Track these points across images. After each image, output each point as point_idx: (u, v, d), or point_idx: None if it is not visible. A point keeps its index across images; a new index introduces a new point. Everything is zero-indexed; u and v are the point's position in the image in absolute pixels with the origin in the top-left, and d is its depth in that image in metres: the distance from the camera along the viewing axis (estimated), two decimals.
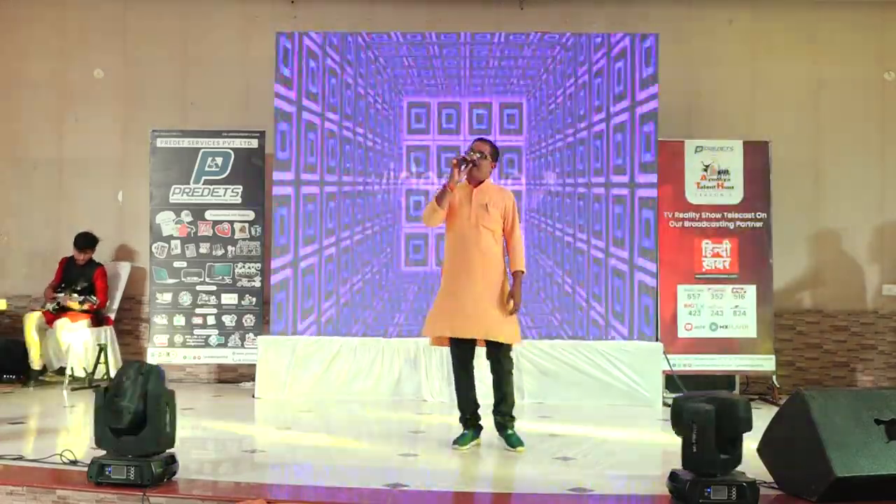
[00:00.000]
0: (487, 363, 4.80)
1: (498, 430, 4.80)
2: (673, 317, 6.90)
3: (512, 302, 4.73)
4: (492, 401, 4.82)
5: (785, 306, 7.41)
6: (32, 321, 7.07)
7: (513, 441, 4.72)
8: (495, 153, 4.88)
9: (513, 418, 4.80)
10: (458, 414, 4.91)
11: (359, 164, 7.00)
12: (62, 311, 7.14)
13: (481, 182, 4.82)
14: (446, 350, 6.52)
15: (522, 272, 4.84)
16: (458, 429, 4.89)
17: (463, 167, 4.69)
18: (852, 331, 7.48)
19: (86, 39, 7.90)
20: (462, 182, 4.79)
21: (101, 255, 7.58)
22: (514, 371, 4.86)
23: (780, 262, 7.14)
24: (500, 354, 4.74)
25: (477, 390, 4.87)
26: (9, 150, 7.93)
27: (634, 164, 6.85)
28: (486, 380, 4.84)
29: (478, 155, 4.74)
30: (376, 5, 7.67)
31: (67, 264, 7.35)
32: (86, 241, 7.28)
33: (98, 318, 7.30)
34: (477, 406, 4.84)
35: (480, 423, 4.85)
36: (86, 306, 7.14)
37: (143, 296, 7.70)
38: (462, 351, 4.81)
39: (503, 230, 4.83)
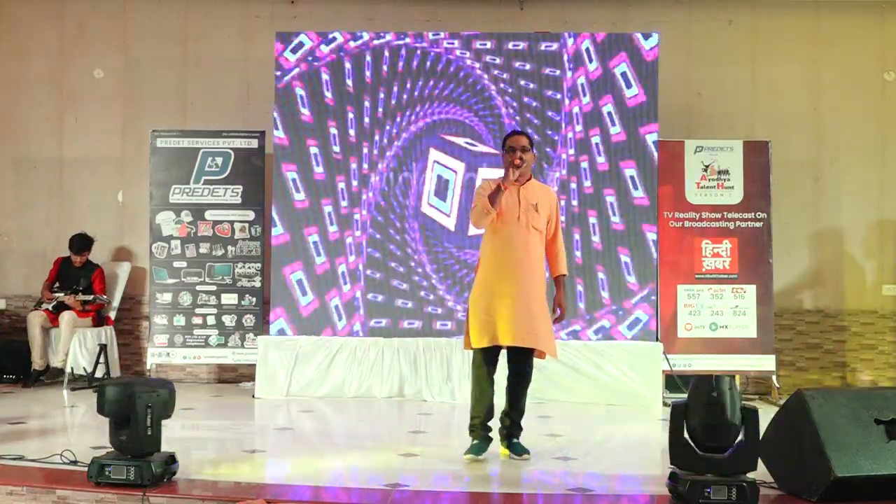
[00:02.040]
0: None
1: (502, 437, 4.57)
2: (673, 317, 6.90)
3: (559, 310, 4.57)
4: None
5: (785, 306, 7.41)
6: (36, 320, 7.06)
7: (518, 449, 4.51)
8: (532, 143, 4.61)
9: (520, 428, 4.60)
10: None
11: (359, 164, 7.00)
12: (63, 308, 7.12)
13: (528, 180, 4.58)
14: (446, 350, 6.60)
15: (566, 276, 4.68)
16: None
17: (519, 165, 4.43)
18: (852, 331, 7.48)
19: (86, 39, 7.90)
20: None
21: (101, 255, 7.59)
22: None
23: (780, 262, 7.15)
24: (528, 363, 4.54)
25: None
26: (9, 150, 7.93)
27: (631, 164, 6.86)
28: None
29: (520, 151, 4.46)
30: (376, 5, 7.67)
31: (63, 264, 7.34)
32: (81, 244, 7.26)
33: (98, 318, 7.30)
34: (492, 416, 4.55)
35: (491, 434, 4.56)
36: (89, 306, 7.12)
37: (143, 296, 7.70)
38: (496, 357, 4.53)
39: (546, 232, 4.60)
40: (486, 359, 4.48)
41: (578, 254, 6.87)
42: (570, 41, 6.97)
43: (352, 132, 6.99)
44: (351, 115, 6.98)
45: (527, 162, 4.50)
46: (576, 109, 6.94)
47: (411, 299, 6.90)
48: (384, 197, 6.98)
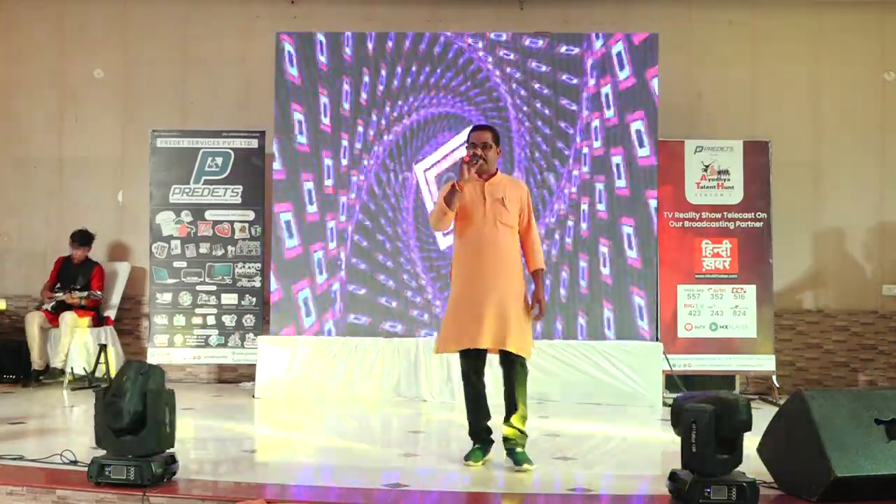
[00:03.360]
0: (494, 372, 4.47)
1: (506, 447, 4.34)
2: (673, 317, 6.90)
3: (538, 306, 4.36)
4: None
5: (785, 306, 7.41)
6: (35, 320, 7.07)
7: (521, 458, 4.26)
8: (497, 138, 4.43)
9: (524, 435, 4.34)
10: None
11: (360, 165, 7.00)
12: (63, 308, 7.12)
13: (493, 175, 4.40)
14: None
15: (543, 270, 4.49)
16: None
17: (474, 163, 4.27)
18: (852, 331, 7.48)
19: (86, 39, 7.90)
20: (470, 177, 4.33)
21: (100, 254, 7.59)
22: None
23: (780, 262, 7.14)
24: (517, 364, 4.31)
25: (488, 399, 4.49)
26: (9, 150, 7.93)
27: (633, 165, 6.86)
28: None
29: (481, 148, 4.31)
30: (376, 5, 7.67)
31: (63, 264, 7.35)
32: (83, 238, 7.30)
33: (98, 318, 7.30)
34: (489, 418, 4.41)
35: (492, 437, 4.42)
36: (85, 302, 7.11)
37: (143, 296, 7.70)
38: (478, 360, 4.37)
39: (519, 226, 4.42)
40: (469, 366, 4.36)
41: (583, 283, 6.81)
42: (568, 42, 6.97)
43: (352, 132, 7.00)
44: (353, 116, 6.99)
45: (490, 158, 4.34)
46: (573, 108, 6.94)
47: (396, 299, 6.92)
48: (371, 196, 6.99)
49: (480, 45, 6.98)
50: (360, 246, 6.95)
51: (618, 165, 6.85)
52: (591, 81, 6.91)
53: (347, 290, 6.91)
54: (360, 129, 6.98)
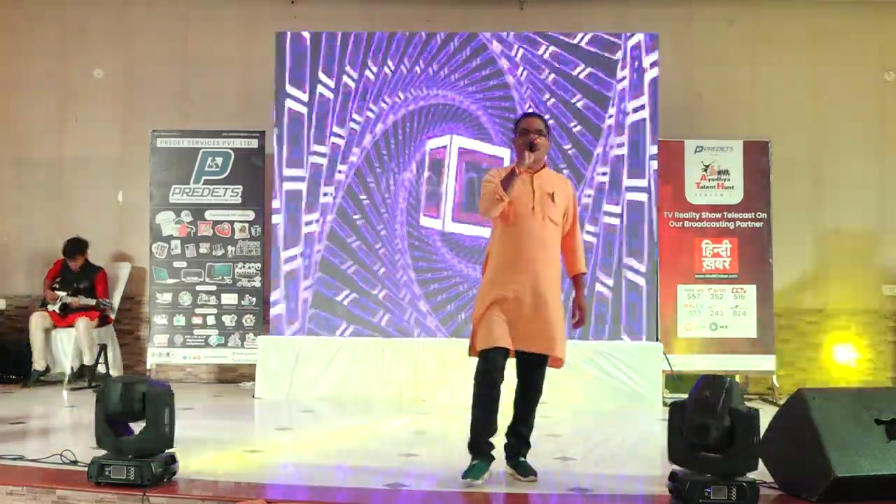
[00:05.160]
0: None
1: (509, 454, 4.12)
2: (673, 317, 6.90)
3: (579, 313, 4.15)
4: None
5: (785, 306, 7.41)
6: (39, 321, 7.06)
7: (524, 469, 4.05)
8: (547, 127, 4.15)
9: (529, 445, 4.16)
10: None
11: (362, 166, 7.00)
12: (68, 312, 7.11)
13: (542, 168, 4.13)
14: (445, 350, 6.59)
15: (585, 274, 4.26)
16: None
17: (536, 148, 4.00)
18: (852, 331, 7.47)
19: (86, 39, 7.91)
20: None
21: (100, 255, 7.59)
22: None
23: (780, 262, 7.14)
24: (541, 372, 4.07)
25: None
26: (9, 150, 7.93)
27: (628, 165, 6.87)
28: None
29: (536, 134, 4.03)
30: (376, 5, 7.67)
31: (64, 267, 7.33)
32: (74, 248, 7.25)
33: (99, 318, 7.29)
34: (496, 430, 4.05)
35: (494, 452, 4.06)
36: (98, 308, 7.11)
37: (143, 296, 7.70)
38: (502, 363, 3.98)
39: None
40: (492, 366, 3.92)
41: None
42: (568, 42, 6.97)
43: (352, 133, 7.00)
44: (353, 116, 6.99)
45: (542, 147, 4.06)
46: (573, 109, 6.94)
47: (412, 300, 6.92)
48: (385, 197, 6.99)
49: (494, 45, 6.99)
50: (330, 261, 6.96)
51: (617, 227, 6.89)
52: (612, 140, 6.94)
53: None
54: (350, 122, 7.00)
